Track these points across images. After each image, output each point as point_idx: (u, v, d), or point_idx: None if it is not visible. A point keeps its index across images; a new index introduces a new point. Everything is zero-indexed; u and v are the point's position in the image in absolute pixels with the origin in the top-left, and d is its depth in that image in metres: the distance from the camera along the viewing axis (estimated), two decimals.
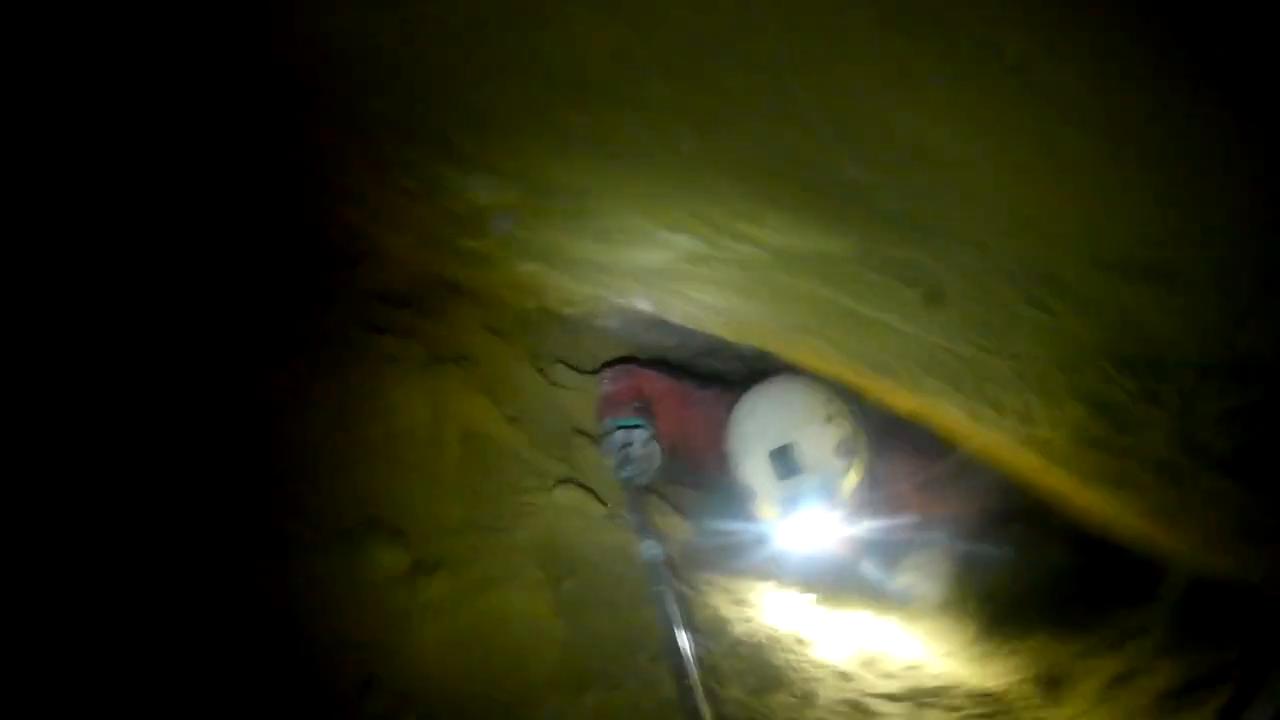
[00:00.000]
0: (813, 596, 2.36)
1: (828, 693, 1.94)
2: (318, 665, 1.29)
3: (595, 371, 2.69)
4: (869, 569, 2.54)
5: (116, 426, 1.39)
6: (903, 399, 2.07)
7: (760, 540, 2.40)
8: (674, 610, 1.85)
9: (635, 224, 1.33)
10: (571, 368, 2.69)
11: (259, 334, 1.78)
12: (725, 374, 3.04)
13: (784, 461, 2.26)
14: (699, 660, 1.82)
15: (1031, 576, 2.36)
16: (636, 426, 2.39)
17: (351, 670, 1.31)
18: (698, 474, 2.70)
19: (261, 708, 1.22)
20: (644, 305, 2.29)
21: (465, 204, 1.46)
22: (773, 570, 2.39)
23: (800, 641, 2.08)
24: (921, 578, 2.51)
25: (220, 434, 1.55)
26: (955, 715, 1.94)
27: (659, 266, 1.53)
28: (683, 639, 1.76)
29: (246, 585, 1.34)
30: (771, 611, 2.24)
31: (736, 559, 2.38)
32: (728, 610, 2.09)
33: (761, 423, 2.33)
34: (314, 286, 1.96)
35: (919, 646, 2.28)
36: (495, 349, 2.43)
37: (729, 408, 2.44)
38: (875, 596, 2.50)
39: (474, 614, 1.64)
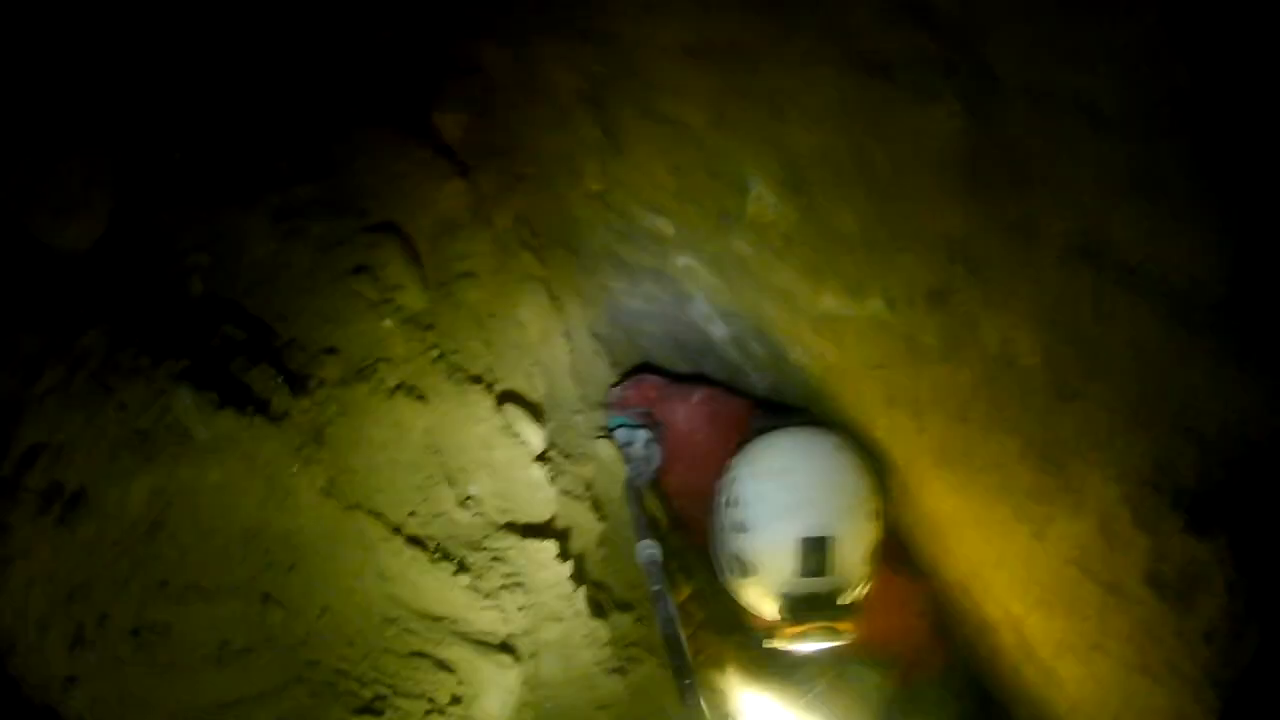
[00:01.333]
0: None
1: None
2: None
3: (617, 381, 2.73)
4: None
5: None
6: None
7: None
8: (673, 609, 1.81)
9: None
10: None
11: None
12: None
13: (814, 555, 1.90)
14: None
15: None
16: (639, 427, 2.43)
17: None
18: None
19: None
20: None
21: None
22: None
23: None
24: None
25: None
26: None
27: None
28: (682, 638, 1.74)
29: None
30: None
31: None
32: None
33: (799, 496, 1.96)
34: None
35: None
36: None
37: (726, 402, 2.48)
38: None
39: None
